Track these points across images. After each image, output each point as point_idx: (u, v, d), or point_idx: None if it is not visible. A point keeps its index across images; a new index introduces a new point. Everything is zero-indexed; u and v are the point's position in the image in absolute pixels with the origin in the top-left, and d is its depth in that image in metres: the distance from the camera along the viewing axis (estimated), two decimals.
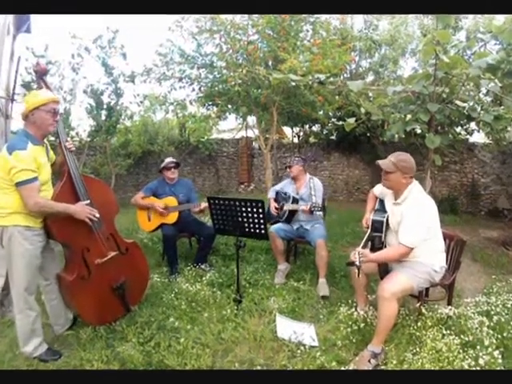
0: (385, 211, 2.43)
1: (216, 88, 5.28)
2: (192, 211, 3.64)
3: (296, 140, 9.01)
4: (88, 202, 2.27)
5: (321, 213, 3.17)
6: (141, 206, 3.59)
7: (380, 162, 2.30)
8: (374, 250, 2.38)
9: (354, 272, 2.19)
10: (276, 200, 3.67)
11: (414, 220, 2.16)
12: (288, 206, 3.44)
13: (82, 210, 2.21)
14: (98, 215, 2.28)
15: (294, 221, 3.49)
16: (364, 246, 2.32)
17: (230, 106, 5.72)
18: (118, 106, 6.37)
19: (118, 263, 2.46)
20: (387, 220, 2.38)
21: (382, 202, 2.52)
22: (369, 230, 2.45)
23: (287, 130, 9.80)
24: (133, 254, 2.62)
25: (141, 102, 6.57)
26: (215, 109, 5.88)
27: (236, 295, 2.69)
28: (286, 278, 3.33)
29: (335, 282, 3.29)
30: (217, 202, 2.66)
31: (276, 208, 3.59)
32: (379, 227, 2.40)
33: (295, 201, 3.46)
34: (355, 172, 8.36)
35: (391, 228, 2.37)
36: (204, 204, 3.39)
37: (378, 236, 2.40)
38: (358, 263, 2.07)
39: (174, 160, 3.72)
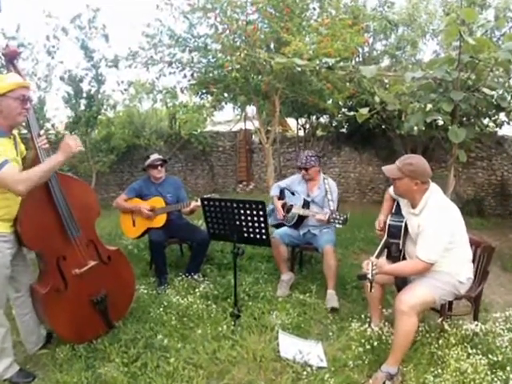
0: (403, 215, 2.42)
1: (210, 74, 5.27)
2: (182, 212, 3.65)
3: (301, 133, 9.01)
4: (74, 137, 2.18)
5: (340, 226, 3.09)
6: (124, 209, 3.61)
7: (384, 168, 2.30)
8: (390, 258, 2.38)
9: (367, 285, 2.19)
10: (280, 199, 3.63)
11: (433, 235, 2.15)
12: (298, 210, 3.39)
13: (67, 148, 2.10)
14: (82, 148, 2.22)
15: (301, 226, 3.47)
16: (379, 255, 2.32)
17: (226, 95, 5.70)
18: (99, 95, 6.38)
19: (98, 273, 2.46)
20: (406, 225, 2.37)
21: (398, 204, 2.51)
22: (385, 236, 2.45)
23: (291, 121, 9.79)
24: (116, 262, 2.62)
25: (125, 90, 6.58)
26: (210, 98, 5.86)
27: (233, 309, 2.69)
28: (290, 289, 3.33)
29: (346, 294, 3.30)
30: (211, 203, 2.66)
31: (282, 207, 3.54)
32: (396, 233, 2.40)
33: (306, 204, 3.42)
34: (369, 169, 8.35)
35: (410, 235, 2.36)
36: (195, 203, 3.40)
37: (395, 243, 2.40)
38: (370, 276, 2.06)
39: (161, 157, 3.73)
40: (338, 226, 3.08)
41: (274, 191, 3.66)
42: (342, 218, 3.06)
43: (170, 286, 3.30)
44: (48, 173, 2.10)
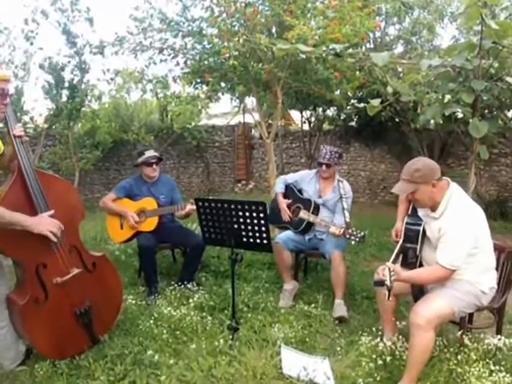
0: (420, 217, 2.43)
1: (206, 62, 5.26)
2: (176, 215, 3.66)
3: (306, 127, 9.02)
4: (51, 213, 2.26)
5: (357, 243, 3.08)
6: (112, 211, 3.61)
7: (395, 189, 2.29)
8: (406, 265, 2.39)
9: (383, 294, 2.16)
10: (285, 196, 3.59)
11: (456, 238, 2.16)
12: (308, 216, 3.35)
13: (39, 222, 2.19)
14: (62, 227, 2.28)
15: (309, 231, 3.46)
16: (395, 260, 2.31)
17: (223, 85, 5.70)
18: (82, 85, 6.39)
19: (82, 282, 2.47)
20: (424, 228, 2.37)
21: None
22: (400, 240, 2.45)
23: (295, 114, 9.80)
24: (102, 270, 2.62)
25: (111, 80, 6.57)
26: (205, 88, 5.86)
27: (231, 322, 2.69)
28: (293, 299, 3.35)
29: (355, 304, 3.30)
30: (207, 204, 2.67)
31: (289, 207, 3.49)
32: (414, 236, 2.40)
33: (316, 208, 3.39)
34: (381, 167, 8.37)
35: (429, 239, 2.36)
36: (190, 206, 3.40)
37: (411, 248, 2.40)
38: (388, 283, 2.04)
39: (156, 154, 3.73)
40: (352, 242, 3.08)
41: (279, 187, 3.60)
42: (359, 236, 3.03)
43: (160, 296, 3.30)
44: (8, 224, 2.10)
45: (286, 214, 3.48)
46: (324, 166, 3.39)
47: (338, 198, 3.35)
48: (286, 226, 3.52)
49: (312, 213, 3.36)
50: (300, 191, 3.54)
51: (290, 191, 3.60)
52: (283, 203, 3.52)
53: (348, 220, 3.19)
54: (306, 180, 3.54)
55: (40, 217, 2.21)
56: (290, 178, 3.64)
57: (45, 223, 2.21)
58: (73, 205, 2.49)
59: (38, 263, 2.32)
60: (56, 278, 2.37)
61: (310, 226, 3.40)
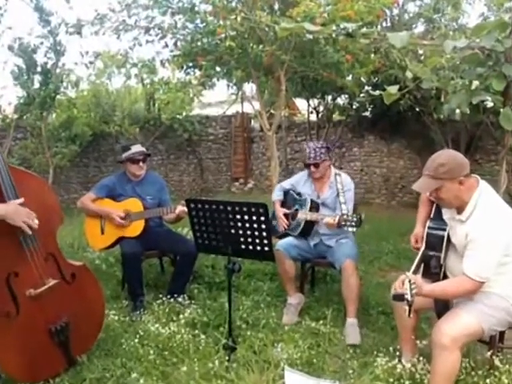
0: (445, 221, 2.43)
1: (199, 43, 5.27)
2: (164, 218, 3.68)
3: (313, 117, 9.02)
4: (21, 200, 2.25)
5: (353, 229, 3.12)
6: (91, 213, 3.62)
7: (416, 186, 2.29)
8: (428, 275, 2.38)
9: (402, 309, 2.15)
10: (284, 204, 3.67)
11: (485, 246, 2.14)
12: (305, 215, 3.41)
13: (15, 211, 2.19)
14: (37, 221, 2.27)
15: (311, 234, 3.49)
16: (416, 271, 2.31)
17: (218, 69, 5.70)
18: (57, 69, 6.39)
19: (59, 295, 2.46)
20: (449, 234, 2.37)
21: (439, 207, 2.50)
22: (422, 247, 2.44)
23: (301, 103, 9.80)
24: (81, 281, 2.62)
25: (91, 63, 6.59)
26: (197, 73, 5.86)
27: (227, 340, 2.68)
28: (299, 315, 3.35)
29: (370, 321, 3.31)
30: (200, 206, 2.67)
31: (286, 216, 3.57)
32: (437, 243, 2.40)
33: (315, 206, 3.45)
34: (399, 163, 8.37)
35: (455, 246, 2.36)
36: (181, 208, 3.41)
37: (434, 256, 2.40)
38: (409, 297, 2.02)
39: (144, 150, 3.73)
40: (350, 229, 3.11)
41: (277, 195, 3.70)
42: (354, 219, 3.06)
43: (147, 312, 3.30)
44: None
45: (282, 223, 3.54)
46: (312, 167, 3.45)
47: (336, 194, 3.41)
48: (286, 232, 3.56)
49: (310, 211, 3.40)
50: (299, 195, 3.61)
51: (290, 197, 3.66)
52: (280, 211, 3.60)
53: (345, 210, 3.21)
54: (301, 183, 3.62)
55: (13, 205, 2.19)
56: (287, 183, 3.74)
57: (18, 214, 2.19)
58: (50, 206, 2.47)
59: (8, 271, 2.31)
60: (29, 289, 2.36)
61: (310, 226, 3.44)
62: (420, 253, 2.44)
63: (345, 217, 3.10)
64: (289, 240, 3.49)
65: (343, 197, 3.33)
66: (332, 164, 3.63)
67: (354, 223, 3.06)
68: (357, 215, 3.11)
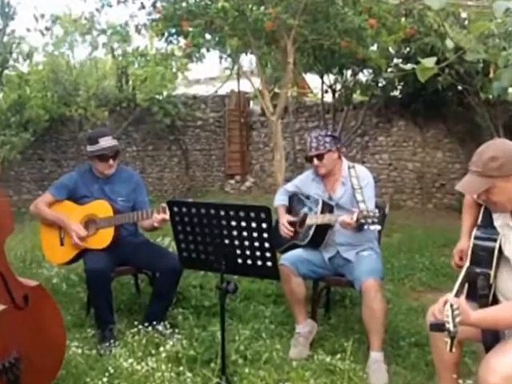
0: (496, 229, 2.39)
1: (184, 3, 5.23)
2: (140, 226, 3.70)
3: (329, 98, 9.00)
4: None
5: (377, 227, 3.07)
6: (48, 220, 3.62)
7: (460, 186, 2.26)
8: (474, 298, 2.33)
9: (442, 341, 2.08)
10: (290, 210, 3.69)
11: None
12: (315, 218, 3.38)
13: None
14: None
15: (324, 245, 3.44)
16: (459, 292, 2.27)
17: (208, 37, 5.67)
18: (5, 37, 6.33)
19: (7, 324, 2.43)
20: (501, 245, 2.34)
21: (489, 212, 2.47)
22: (466, 262, 2.42)
23: (313, 79, 9.77)
24: (36, 306, 2.59)
25: (47, 30, 6.52)
26: (182, 41, 5.84)
27: (220, 379, 2.70)
28: (310, 348, 3.33)
29: (400, 355, 3.29)
30: (185, 210, 2.65)
31: (292, 225, 3.54)
32: (486, 257, 2.36)
33: (328, 209, 3.43)
34: (436, 156, 8.39)
35: (509, 260, 2.32)
36: (162, 214, 3.35)
37: (482, 274, 2.35)
38: (451, 327, 1.95)
39: (116, 144, 3.69)
40: (372, 227, 3.06)
41: (279, 199, 3.75)
42: (377, 215, 3.02)
43: (118, 343, 3.26)
44: None
45: (286, 232, 3.54)
46: (315, 160, 3.44)
47: (352, 190, 3.38)
48: (293, 243, 3.57)
49: (322, 213, 3.40)
50: (308, 197, 3.64)
51: (296, 201, 3.69)
52: (283, 218, 3.62)
53: (363, 207, 3.16)
54: (308, 183, 3.64)
55: None
56: (291, 185, 3.80)
57: None
58: None
59: None
60: None
61: (322, 233, 3.41)
62: (464, 269, 2.42)
63: (364, 212, 3.05)
64: (297, 253, 3.47)
65: (361, 194, 3.30)
66: (344, 155, 3.62)
67: (376, 219, 3.02)
68: (379, 209, 3.09)
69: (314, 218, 3.40)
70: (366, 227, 3.09)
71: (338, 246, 3.43)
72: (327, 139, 3.45)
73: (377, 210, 3.07)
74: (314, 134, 3.57)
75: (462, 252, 2.62)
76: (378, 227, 3.09)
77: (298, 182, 3.75)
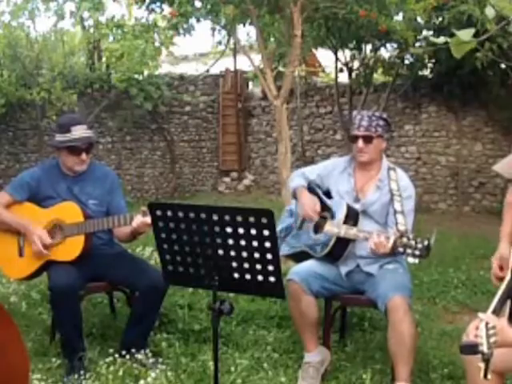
0: None
1: None
2: (116, 234, 3.73)
3: (344, 78, 9.01)
4: None
5: (416, 261, 3.03)
6: (3, 224, 3.62)
7: (498, 166, 2.38)
8: None
9: (476, 367, 2.08)
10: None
11: None
12: (337, 228, 3.36)
13: None
14: None
15: (344, 257, 3.45)
16: (497, 310, 2.30)
17: (199, 5, 5.69)
18: None
19: None
20: None
21: None
22: (508, 275, 2.47)
23: (325, 55, 9.79)
24: None
25: None
26: (167, 10, 5.89)
27: None
28: (322, 379, 3.35)
29: None
30: (170, 214, 2.66)
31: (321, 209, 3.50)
32: None
33: (352, 215, 3.41)
34: (474, 148, 8.43)
35: None
36: (141, 217, 3.39)
37: None
38: (485, 349, 1.99)
39: (91, 135, 3.74)
40: (411, 260, 3.05)
41: (297, 181, 3.68)
42: (419, 246, 2.99)
43: (90, 375, 3.28)
44: None
45: (308, 211, 3.46)
46: (360, 141, 3.42)
47: (389, 198, 3.39)
48: (305, 250, 3.57)
49: (345, 223, 3.36)
50: (328, 194, 3.61)
51: (314, 192, 3.67)
52: (307, 198, 3.54)
53: (403, 228, 3.15)
54: (335, 173, 3.64)
55: None
56: (310, 171, 3.76)
57: None
58: None
59: None
60: None
61: (343, 246, 3.40)
62: (504, 284, 2.45)
63: (404, 239, 3.02)
64: (309, 265, 3.49)
65: (400, 204, 3.31)
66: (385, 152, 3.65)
67: (418, 252, 2.97)
68: (424, 239, 2.99)
69: (336, 228, 3.37)
70: (403, 257, 3.13)
71: (359, 258, 3.45)
72: (381, 122, 3.46)
73: (421, 241, 2.97)
74: (365, 112, 3.61)
75: (498, 259, 2.66)
76: (417, 261, 3.03)
77: (321, 169, 3.74)
